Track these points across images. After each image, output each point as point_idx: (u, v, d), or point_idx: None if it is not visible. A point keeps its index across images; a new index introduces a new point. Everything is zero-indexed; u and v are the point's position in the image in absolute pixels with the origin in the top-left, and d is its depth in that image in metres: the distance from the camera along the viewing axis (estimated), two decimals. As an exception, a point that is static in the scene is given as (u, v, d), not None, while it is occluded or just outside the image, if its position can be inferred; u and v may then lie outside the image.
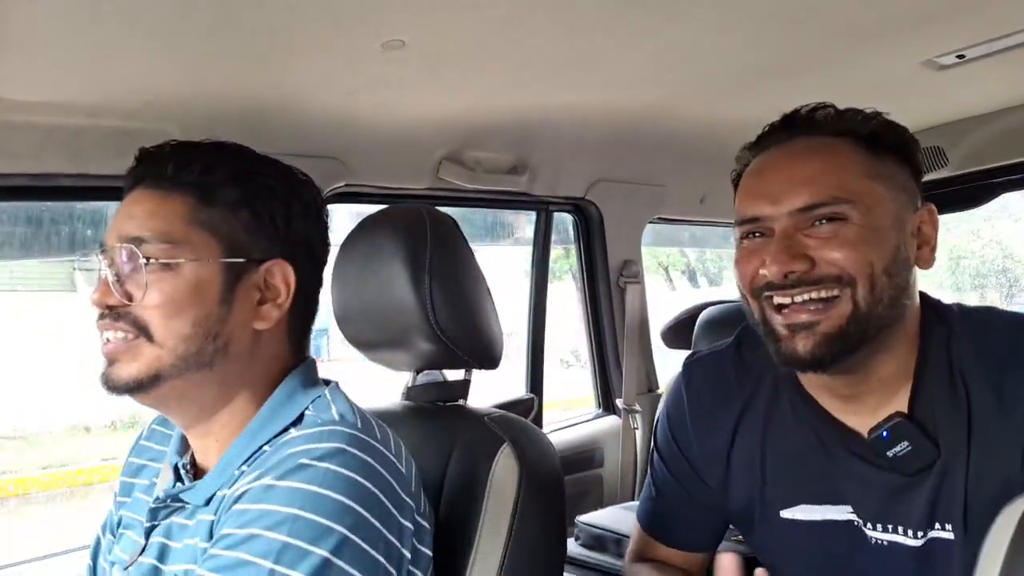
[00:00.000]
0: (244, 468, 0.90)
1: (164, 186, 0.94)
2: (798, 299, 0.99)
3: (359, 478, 0.84)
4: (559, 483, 1.12)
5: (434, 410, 1.24)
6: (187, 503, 0.95)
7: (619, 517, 1.99)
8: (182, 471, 0.99)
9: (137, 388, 0.91)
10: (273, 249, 0.96)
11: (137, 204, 0.94)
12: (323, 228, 1.03)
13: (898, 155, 1.05)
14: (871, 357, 1.02)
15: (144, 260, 0.90)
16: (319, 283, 1.05)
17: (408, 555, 0.89)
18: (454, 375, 1.28)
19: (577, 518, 2.00)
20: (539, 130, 1.93)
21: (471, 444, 1.11)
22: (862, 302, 0.98)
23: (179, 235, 0.91)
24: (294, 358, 1.00)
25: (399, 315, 1.15)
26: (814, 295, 0.99)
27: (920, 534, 1.04)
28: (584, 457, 2.41)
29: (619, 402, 2.52)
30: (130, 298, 0.90)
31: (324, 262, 1.04)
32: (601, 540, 1.91)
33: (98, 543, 1.12)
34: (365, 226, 1.22)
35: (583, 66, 1.51)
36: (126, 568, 0.98)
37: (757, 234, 1.04)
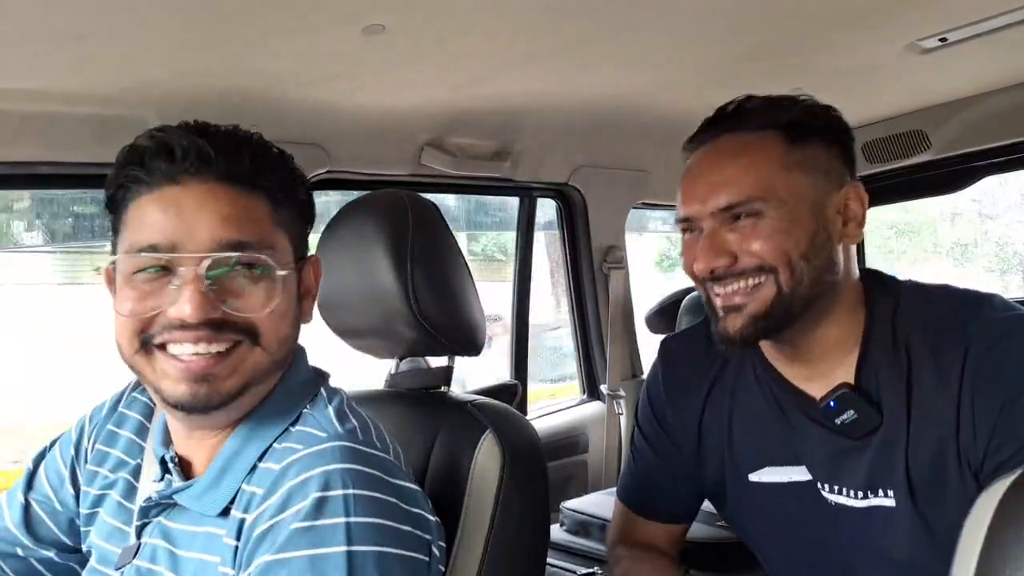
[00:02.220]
0: (255, 490, 0.87)
1: (240, 183, 0.88)
2: (728, 289, 1.10)
3: (378, 494, 0.83)
4: (542, 469, 1.12)
5: (417, 397, 1.24)
6: (180, 503, 0.93)
7: (604, 502, 2.00)
8: (170, 464, 0.96)
9: (237, 396, 0.89)
10: (305, 244, 0.97)
11: (225, 203, 0.86)
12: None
13: (822, 139, 1.11)
14: (807, 329, 1.11)
15: (256, 270, 0.87)
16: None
17: (437, 553, 0.90)
18: (437, 362, 1.28)
19: (562, 504, 2.01)
20: (522, 116, 1.92)
21: (454, 431, 1.11)
22: (784, 285, 1.07)
23: (271, 240, 0.89)
24: (295, 342, 0.98)
25: (381, 302, 1.14)
26: (741, 284, 1.09)
27: (861, 495, 1.11)
28: (569, 443, 2.42)
29: (603, 388, 2.52)
30: (241, 310, 0.86)
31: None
32: (586, 526, 1.92)
33: (31, 479, 1.10)
34: (346, 212, 1.21)
35: (566, 52, 1.50)
36: (119, 568, 0.96)
37: (692, 228, 1.14)
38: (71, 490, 1.08)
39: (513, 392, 1.43)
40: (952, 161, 2.33)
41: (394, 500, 0.85)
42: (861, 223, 1.13)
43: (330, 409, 0.93)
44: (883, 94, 2.09)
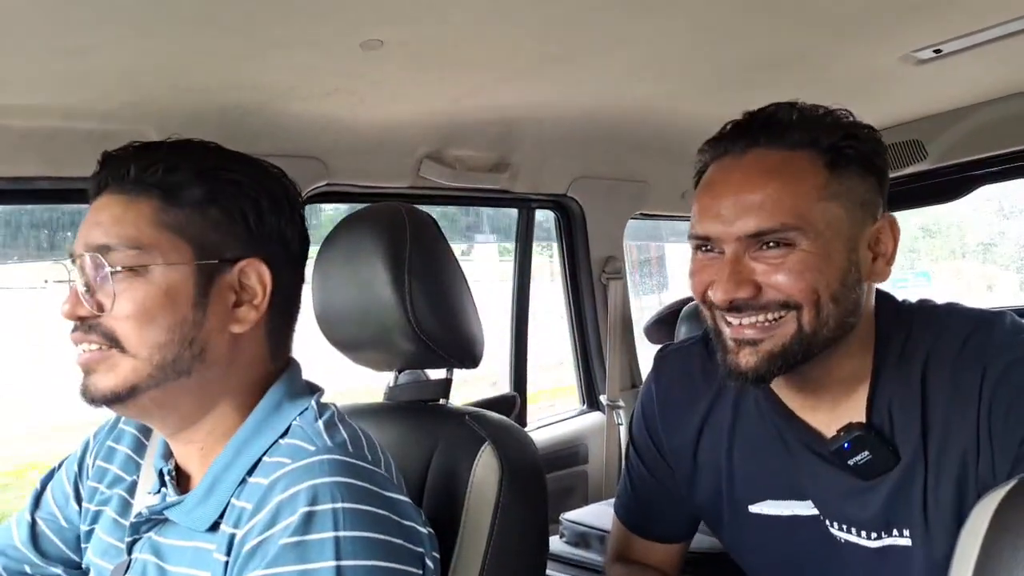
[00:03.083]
0: (244, 505, 0.87)
1: (128, 189, 0.90)
2: (745, 320, 1.00)
3: (368, 507, 0.83)
4: (541, 482, 1.12)
5: (416, 410, 1.24)
6: (171, 519, 0.93)
7: (604, 514, 1.99)
8: (166, 477, 0.97)
9: (115, 400, 0.89)
10: (246, 248, 0.92)
11: (103, 210, 0.90)
12: (298, 222, 0.99)
13: (861, 166, 1.02)
14: (820, 365, 1.03)
15: (112, 269, 0.87)
16: (299, 281, 1.01)
17: (431, 565, 0.89)
18: (436, 374, 1.28)
19: (561, 515, 2.00)
20: (520, 128, 1.93)
21: (452, 444, 1.11)
22: (807, 326, 0.99)
23: (147, 240, 0.88)
24: (274, 362, 0.98)
25: (379, 314, 1.15)
26: (759, 318, 1.00)
27: (875, 535, 1.05)
28: (568, 454, 2.41)
29: (603, 398, 2.52)
30: (101, 308, 0.87)
31: (303, 258, 1.01)
32: (586, 537, 1.91)
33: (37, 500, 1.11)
34: (345, 225, 1.22)
35: (563, 63, 1.51)
36: None
37: (709, 248, 1.04)
38: (76, 507, 1.09)
39: (512, 404, 1.43)
40: (949, 170, 2.34)
41: (385, 513, 0.84)
42: (890, 260, 1.04)
43: (320, 423, 0.92)
44: (879, 104, 2.10)
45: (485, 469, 1.07)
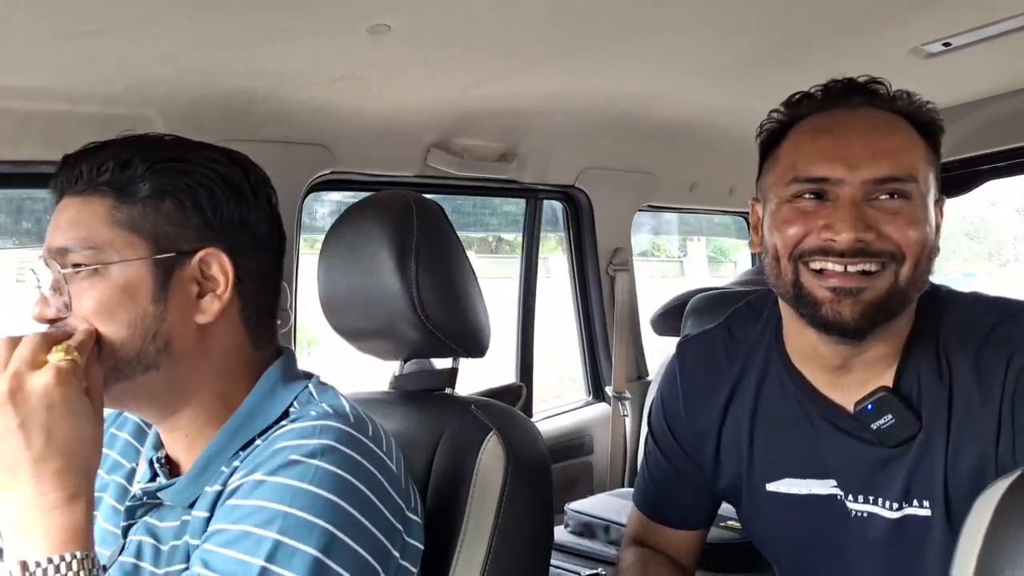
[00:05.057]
0: (236, 464, 0.88)
1: (82, 191, 0.90)
2: (851, 268, 1.00)
3: (349, 477, 0.83)
4: (546, 470, 1.12)
5: (422, 398, 1.23)
6: (164, 502, 0.94)
7: (608, 504, 2.00)
8: (156, 465, 0.98)
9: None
10: (204, 238, 0.91)
11: (61, 214, 0.91)
12: (264, 207, 0.97)
13: (938, 147, 1.08)
14: (876, 333, 1.04)
15: (67, 270, 0.88)
16: (272, 266, 0.99)
17: (397, 553, 0.88)
18: (442, 363, 1.28)
19: (566, 505, 2.00)
20: (528, 118, 1.93)
21: (458, 432, 1.11)
22: (902, 280, 1.00)
23: (101, 239, 0.88)
24: (257, 350, 0.97)
25: (385, 303, 1.14)
26: (867, 267, 0.99)
27: (896, 506, 1.08)
28: (574, 444, 2.41)
29: (608, 389, 2.53)
30: (68, 308, 0.88)
31: (274, 243, 0.98)
32: (590, 527, 1.92)
33: None
34: (351, 213, 1.21)
35: (573, 54, 1.50)
36: (105, 570, 0.96)
37: (811, 195, 1.03)
38: None
39: (518, 394, 1.43)
40: (955, 165, 2.33)
41: (366, 491, 0.84)
42: (938, 238, 1.08)
43: (320, 401, 0.93)
44: (888, 97, 2.09)
45: (491, 458, 1.07)
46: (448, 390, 1.26)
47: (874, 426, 1.06)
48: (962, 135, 2.23)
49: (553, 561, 1.17)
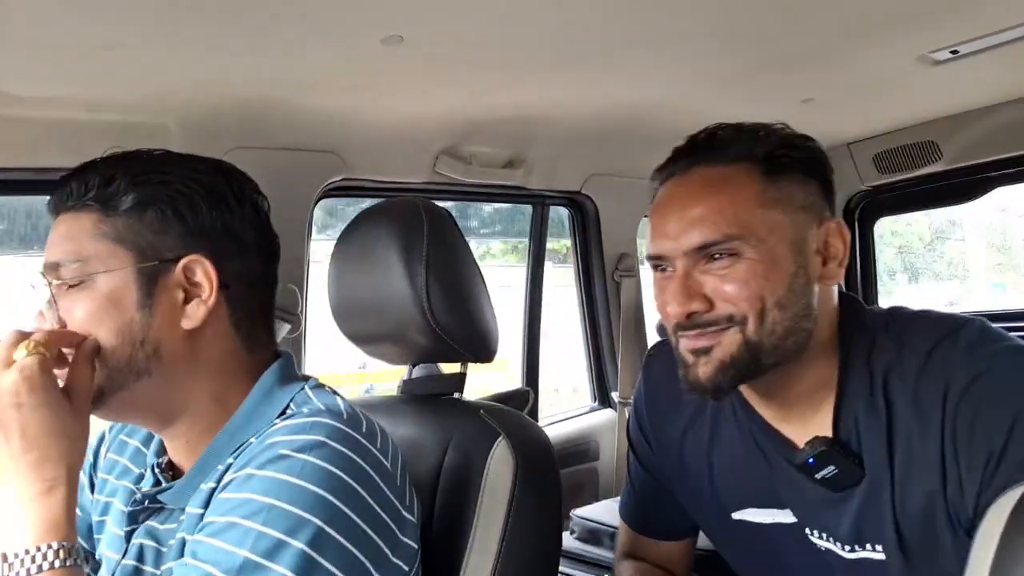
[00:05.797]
0: (231, 461, 0.89)
1: (72, 207, 0.94)
2: (695, 331, 1.02)
3: (339, 472, 0.83)
4: (555, 476, 1.13)
5: (430, 403, 1.24)
6: (165, 505, 0.96)
7: (614, 510, 1.97)
8: (157, 471, 0.99)
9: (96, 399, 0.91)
10: (187, 245, 0.93)
11: (55, 231, 0.94)
12: (250, 214, 0.98)
13: (801, 171, 1.05)
14: (779, 376, 1.04)
15: (57, 282, 0.91)
16: (262, 271, 1.00)
17: (389, 551, 0.88)
18: (451, 368, 1.29)
19: (572, 512, 2.00)
20: (536, 125, 1.93)
21: (467, 437, 1.12)
22: (752, 335, 1.00)
23: (86, 251, 0.91)
24: (251, 353, 0.98)
25: (395, 309, 1.15)
26: (709, 329, 1.01)
27: (849, 548, 1.06)
28: (579, 451, 2.41)
29: (614, 395, 2.52)
30: (63, 322, 0.91)
31: (263, 248, 1.00)
32: (596, 534, 1.91)
33: None
34: (361, 220, 1.23)
35: (580, 62, 1.51)
36: (112, 573, 0.98)
37: (664, 268, 1.06)
38: (90, 495, 1.11)
39: (525, 399, 1.43)
40: (963, 172, 2.33)
41: (355, 486, 0.85)
42: (843, 263, 1.05)
43: (317, 401, 0.95)
44: (895, 105, 2.10)
45: (499, 463, 1.07)
46: (456, 395, 1.26)
47: (818, 476, 1.04)
48: (970, 142, 2.23)
49: (559, 567, 1.17)
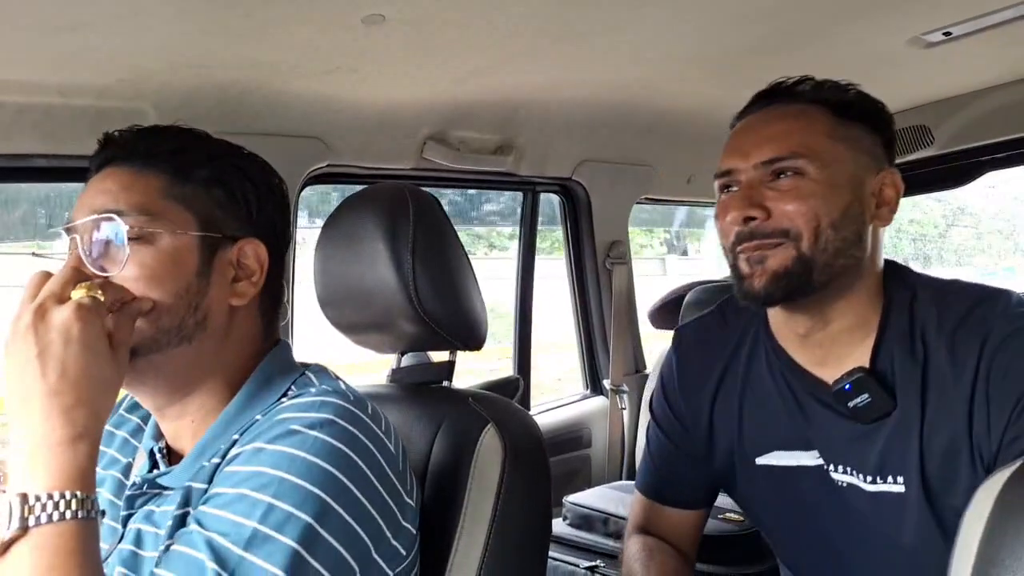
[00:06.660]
0: (235, 437, 0.90)
1: (137, 163, 0.93)
2: (753, 243, 1.10)
3: (346, 449, 0.85)
4: (544, 462, 1.12)
5: (419, 392, 1.23)
6: (164, 489, 0.94)
7: (606, 496, 2.00)
8: (157, 455, 0.99)
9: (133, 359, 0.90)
10: (245, 228, 0.97)
11: (108, 179, 0.93)
12: (287, 215, 1.04)
13: (867, 124, 1.14)
14: (826, 303, 1.12)
15: (126, 228, 0.89)
16: (283, 268, 1.05)
17: (389, 533, 0.89)
18: (439, 356, 1.27)
19: (564, 498, 2.00)
20: (525, 110, 1.92)
21: (456, 425, 1.11)
22: (805, 250, 1.08)
23: (156, 208, 0.91)
24: (264, 340, 1.01)
25: (382, 296, 1.14)
26: (765, 242, 1.09)
27: (871, 479, 1.13)
28: (572, 438, 2.42)
29: (606, 383, 2.52)
30: (104, 272, 0.89)
31: (287, 248, 1.05)
32: (588, 519, 1.92)
33: None
34: (347, 206, 1.21)
35: (569, 44, 1.49)
36: (105, 560, 0.96)
37: (731, 187, 1.14)
38: None
39: (516, 387, 1.42)
40: (955, 156, 2.33)
41: (362, 465, 0.86)
42: (894, 209, 1.15)
43: (324, 385, 0.95)
44: (886, 88, 2.05)
45: (488, 450, 1.07)
46: (445, 383, 1.25)
47: (851, 404, 1.11)
48: (962, 126, 2.22)
49: (551, 553, 1.17)
